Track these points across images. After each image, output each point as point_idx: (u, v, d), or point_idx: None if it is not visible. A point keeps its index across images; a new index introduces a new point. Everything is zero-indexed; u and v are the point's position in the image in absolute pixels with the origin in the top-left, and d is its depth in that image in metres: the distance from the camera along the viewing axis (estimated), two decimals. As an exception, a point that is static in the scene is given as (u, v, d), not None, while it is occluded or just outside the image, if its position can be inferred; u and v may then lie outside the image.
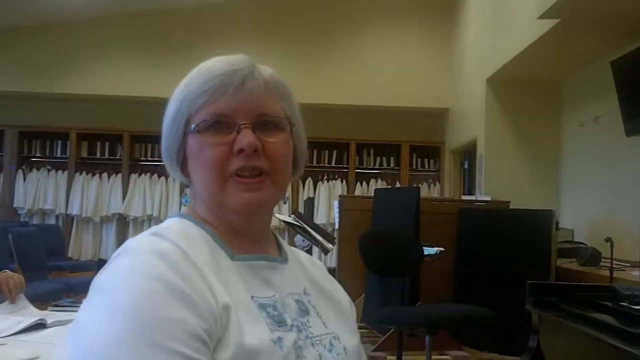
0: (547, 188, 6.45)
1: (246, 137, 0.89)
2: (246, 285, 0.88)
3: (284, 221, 4.40)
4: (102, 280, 0.81)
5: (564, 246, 4.64)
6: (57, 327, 2.09)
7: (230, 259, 0.91)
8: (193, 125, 0.91)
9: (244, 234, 0.95)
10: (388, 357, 3.90)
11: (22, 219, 8.77)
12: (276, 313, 0.89)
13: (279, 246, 1.04)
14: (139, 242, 0.84)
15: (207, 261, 0.86)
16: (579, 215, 5.84)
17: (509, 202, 5.18)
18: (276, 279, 0.95)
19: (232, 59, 0.94)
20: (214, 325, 0.78)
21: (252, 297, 0.88)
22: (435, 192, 8.98)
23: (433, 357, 3.39)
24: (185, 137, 0.93)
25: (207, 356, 0.75)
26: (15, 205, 8.88)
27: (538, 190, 6.39)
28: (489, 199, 5.66)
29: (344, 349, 0.95)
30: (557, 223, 4.55)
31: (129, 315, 0.74)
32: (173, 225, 0.93)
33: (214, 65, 0.93)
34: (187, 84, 0.94)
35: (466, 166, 8.35)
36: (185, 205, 0.99)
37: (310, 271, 1.05)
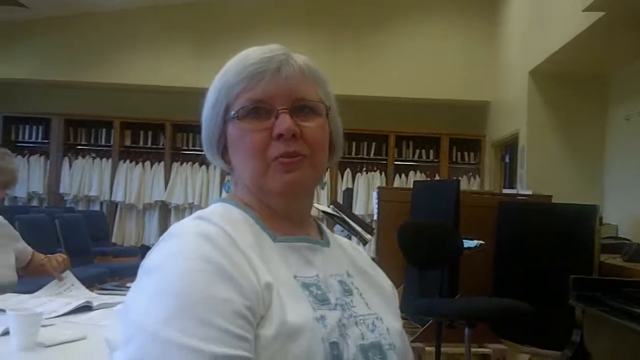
0: (591, 183, 6.33)
1: (285, 122, 0.91)
2: (289, 266, 0.90)
3: (323, 211, 4.42)
4: (149, 262, 0.84)
5: (608, 242, 4.55)
6: (103, 309, 2.15)
7: (273, 240, 0.93)
8: (232, 112, 0.93)
9: (285, 217, 0.97)
10: (426, 349, 3.90)
11: (68, 205, 8.99)
12: (319, 292, 0.90)
13: (320, 230, 1.05)
14: (184, 226, 0.87)
15: (251, 243, 0.88)
16: (624, 211, 5.72)
17: (551, 196, 5.10)
18: (318, 260, 0.96)
19: (266, 47, 0.97)
20: (256, 303, 0.80)
21: (295, 277, 0.89)
22: (475, 186, 8.90)
23: (472, 349, 3.38)
24: (225, 124, 0.95)
25: (250, 333, 0.78)
26: (61, 191, 9.10)
27: (581, 185, 6.28)
28: (531, 193, 5.58)
29: (387, 329, 0.96)
30: (601, 218, 4.46)
31: (176, 293, 0.77)
32: (217, 209, 0.95)
33: (249, 54, 0.96)
34: (225, 73, 0.97)
35: (507, 160, 8.24)
36: (227, 192, 1.01)
37: (352, 255, 1.06)
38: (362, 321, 0.93)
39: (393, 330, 0.98)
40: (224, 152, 0.98)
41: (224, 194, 1.03)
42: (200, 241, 0.82)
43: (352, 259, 1.05)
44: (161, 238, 0.87)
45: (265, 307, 0.81)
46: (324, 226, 1.07)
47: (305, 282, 0.90)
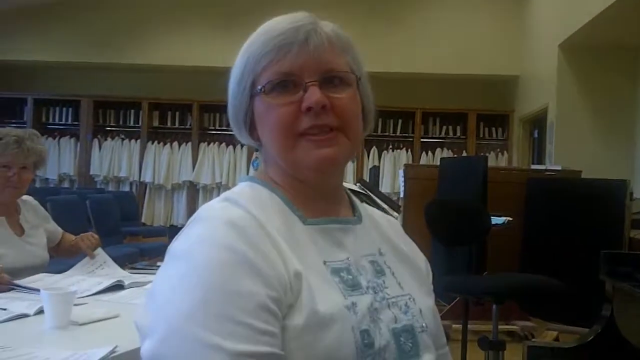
0: (621, 158, 6.22)
1: (314, 95, 0.88)
2: (318, 250, 0.88)
3: (349, 189, 4.41)
4: (175, 247, 0.83)
5: (638, 217, 4.48)
6: (135, 288, 2.19)
7: (302, 223, 0.90)
8: (259, 87, 0.90)
9: (316, 194, 0.94)
10: (453, 326, 3.90)
11: (98, 187, 9.12)
12: (350, 277, 0.88)
13: (353, 205, 1.02)
14: (212, 210, 0.86)
15: (279, 227, 0.86)
16: (656, 186, 5.62)
17: (581, 171, 5.03)
18: (349, 241, 0.93)
19: (292, 16, 0.93)
20: (283, 293, 0.79)
21: (325, 262, 0.87)
22: (502, 162, 8.80)
23: (499, 326, 3.37)
24: (252, 99, 0.92)
25: (275, 326, 0.77)
26: (91, 172, 9.24)
27: (612, 159, 6.18)
28: (560, 169, 5.51)
29: (420, 310, 0.94)
30: (632, 193, 4.38)
31: (201, 286, 0.76)
32: (244, 190, 0.93)
33: (274, 25, 0.92)
34: (249, 45, 0.93)
35: (536, 135, 8.13)
36: (255, 169, 0.98)
37: (385, 230, 1.03)
38: (394, 303, 0.91)
39: (426, 310, 0.96)
40: (251, 128, 0.95)
41: (251, 171, 1.01)
42: (227, 229, 0.81)
43: (385, 233, 1.02)
44: (189, 221, 0.86)
45: (294, 296, 0.80)
46: (356, 199, 1.04)
47: (335, 268, 0.88)
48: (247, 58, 0.92)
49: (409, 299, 0.94)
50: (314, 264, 0.86)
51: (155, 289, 0.82)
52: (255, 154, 1.00)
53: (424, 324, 0.93)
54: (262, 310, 0.76)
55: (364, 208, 1.04)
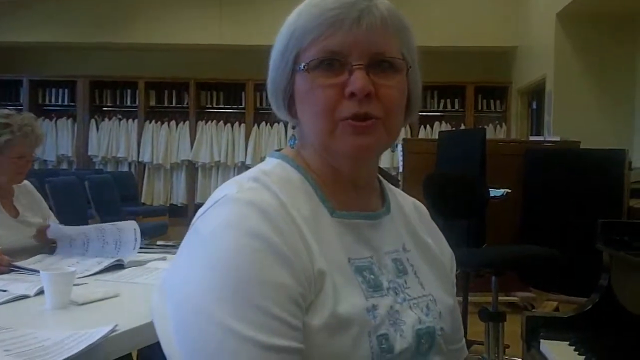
0: (620, 127, 6.21)
1: (359, 80, 0.83)
2: (343, 246, 0.86)
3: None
4: (203, 227, 0.80)
5: (637, 186, 4.48)
6: (134, 267, 2.19)
7: (330, 215, 0.87)
8: (302, 64, 0.85)
9: (348, 183, 0.91)
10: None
11: (97, 167, 9.11)
12: (372, 277, 0.86)
13: (383, 194, 0.99)
14: (241, 190, 0.82)
15: (307, 216, 0.83)
16: (654, 155, 5.62)
17: (579, 142, 5.02)
18: (375, 237, 0.91)
19: None
20: (308, 288, 0.77)
21: (349, 260, 0.85)
22: (501, 134, 8.79)
23: (500, 298, 3.39)
24: (293, 74, 0.87)
25: (300, 320, 0.75)
26: (89, 153, 9.22)
27: (610, 129, 6.17)
28: (558, 139, 5.50)
29: (440, 313, 0.92)
30: (630, 163, 4.38)
31: (232, 273, 0.74)
32: (275, 169, 0.89)
33: None
34: (297, 17, 0.87)
35: (534, 106, 8.11)
36: (292, 147, 0.94)
37: (412, 221, 1.00)
38: (416, 304, 0.89)
39: (445, 311, 0.93)
40: (290, 103, 0.90)
41: (286, 149, 0.96)
42: (257, 215, 0.78)
43: (412, 225, 0.99)
44: (216, 196, 0.83)
45: (315, 293, 0.78)
46: (388, 187, 1.00)
47: (359, 266, 0.86)
48: (294, 30, 0.86)
49: (430, 299, 0.92)
50: (339, 260, 0.84)
51: (181, 270, 0.79)
52: (292, 132, 0.95)
53: (442, 327, 0.91)
54: (292, 303, 0.75)
55: (394, 196, 1.01)
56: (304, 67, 0.85)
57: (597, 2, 5.78)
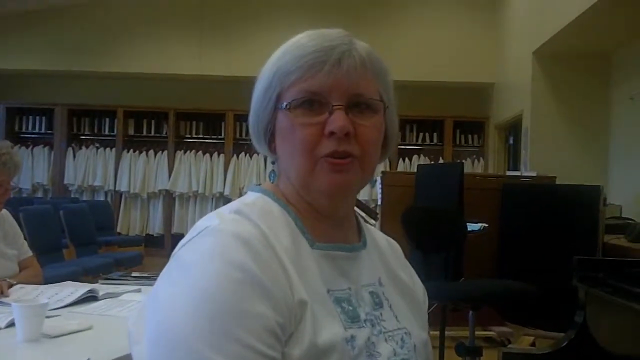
0: (595, 163, 6.30)
1: (339, 120, 0.85)
2: (323, 277, 0.87)
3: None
4: (184, 257, 0.81)
5: (612, 222, 4.54)
6: (108, 299, 2.16)
7: (310, 246, 0.89)
8: (284, 103, 0.88)
9: (326, 217, 0.93)
10: (431, 332, 3.92)
11: (72, 196, 9.01)
12: (351, 308, 0.87)
13: (360, 229, 1.01)
14: (223, 222, 0.83)
15: (288, 247, 0.85)
16: (628, 191, 5.70)
17: (555, 177, 5.09)
18: (353, 269, 0.93)
19: (328, 33, 0.90)
20: (288, 319, 0.78)
21: (329, 291, 0.86)
22: (479, 168, 8.88)
23: (477, 332, 3.39)
24: (275, 112, 0.90)
25: (279, 351, 0.76)
26: (65, 182, 9.13)
27: (586, 165, 6.26)
28: (535, 175, 5.57)
29: (414, 345, 0.94)
30: (605, 199, 4.44)
31: (210, 303, 0.74)
32: (257, 202, 0.91)
33: (309, 40, 0.89)
34: (281, 56, 0.90)
35: (511, 141, 8.22)
36: (272, 183, 0.96)
37: (387, 256, 1.02)
38: (391, 337, 0.91)
39: (419, 345, 0.95)
40: (270, 139, 0.92)
41: (265, 183, 0.98)
42: (239, 246, 0.79)
43: (387, 260, 1.02)
44: (198, 227, 0.84)
45: (295, 323, 0.79)
46: (364, 223, 1.03)
47: (338, 297, 0.87)
48: (277, 69, 0.89)
49: (405, 333, 0.94)
50: (319, 291, 0.85)
51: (160, 297, 0.79)
52: (272, 167, 0.97)
53: None
54: (269, 335, 0.75)
55: (369, 232, 1.03)
56: (286, 106, 0.88)
57: (572, 42, 5.91)
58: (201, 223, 0.85)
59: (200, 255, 0.79)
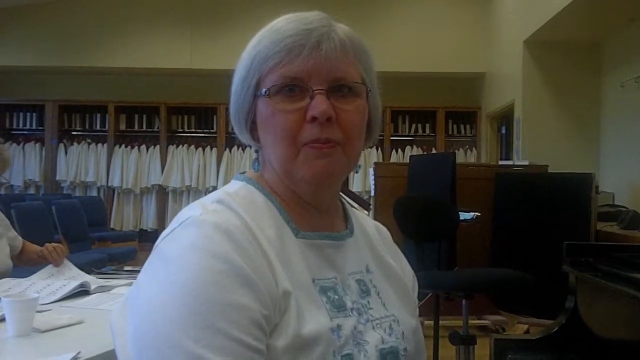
0: (587, 151, 6.32)
1: (320, 104, 0.83)
2: (308, 266, 0.86)
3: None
4: (166, 249, 0.79)
5: (604, 210, 4.56)
6: (100, 293, 2.15)
7: (295, 236, 0.87)
8: (264, 90, 0.86)
9: (311, 205, 0.91)
10: (425, 322, 3.92)
11: (65, 192, 8.98)
12: (337, 297, 0.86)
13: (346, 217, 0.99)
14: (205, 212, 0.82)
15: (272, 237, 0.84)
16: (620, 179, 5.72)
17: (547, 166, 5.10)
18: (339, 258, 0.91)
19: (306, 16, 0.88)
20: (272, 310, 0.77)
21: (314, 280, 0.85)
22: (471, 158, 8.90)
23: (471, 321, 3.39)
24: (255, 99, 0.88)
25: (263, 343, 0.75)
26: (57, 178, 9.09)
27: (577, 153, 6.28)
28: (527, 164, 5.58)
29: (402, 333, 0.93)
30: (597, 187, 4.46)
31: (193, 295, 0.73)
32: (240, 191, 0.89)
33: (286, 24, 0.87)
34: (257, 43, 0.88)
35: (503, 131, 8.23)
36: (256, 172, 0.94)
37: (375, 243, 1.01)
38: (378, 325, 0.90)
39: (408, 332, 0.94)
40: (252, 127, 0.91)
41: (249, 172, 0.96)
42: (221, 237, 0.77)
43: (374, 247, 1.00)
44: (179, 219, 0.83)
45: (280, 315, 0.78)
46: (350, 209, 1.01)
47: (323, 286, 0.86)
48: (255, 56, 0.87)
49: (393, 320, 0.93)
50: (303, 281, 0.83)
51: (142, 291, 0.78)
52: (255, 156, 0.95)
53: (406, 347, 0.92)
54: (254, 326, 0.74)
55: (356, 218, 1.01)
56: (265, 92, 0.86)
57: (563, 30, 5.92)
58: (182, 214, 0.84)
59: (182, 247, 0.77)
